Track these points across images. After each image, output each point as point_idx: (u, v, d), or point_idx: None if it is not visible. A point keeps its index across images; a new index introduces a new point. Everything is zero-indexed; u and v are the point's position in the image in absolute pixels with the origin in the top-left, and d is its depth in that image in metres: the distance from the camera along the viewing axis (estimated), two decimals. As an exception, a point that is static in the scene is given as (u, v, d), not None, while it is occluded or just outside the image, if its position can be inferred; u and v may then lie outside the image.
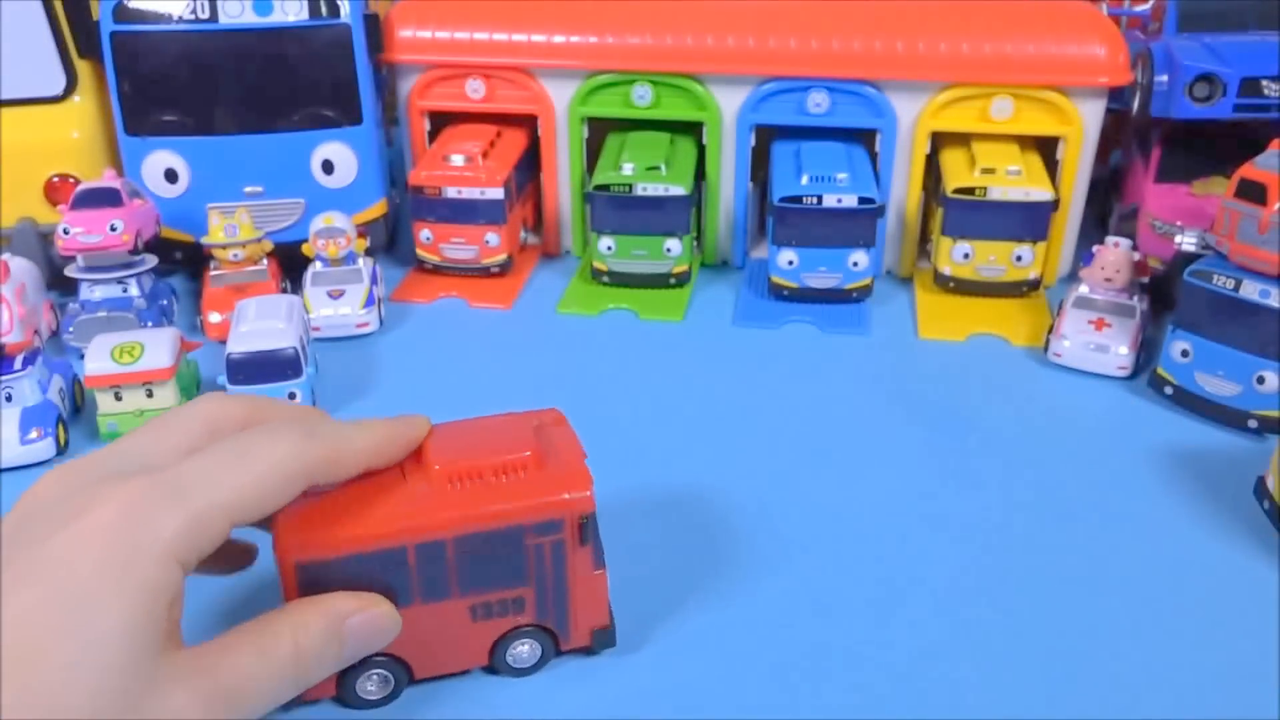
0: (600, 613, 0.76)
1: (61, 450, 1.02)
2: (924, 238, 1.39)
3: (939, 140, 1.33)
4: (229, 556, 0.76)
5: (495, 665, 0.75)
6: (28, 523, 0.61)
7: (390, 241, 1.42)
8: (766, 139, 1.37)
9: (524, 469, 0.71)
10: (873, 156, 1.33)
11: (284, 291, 1.27)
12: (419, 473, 0.71)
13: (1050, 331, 1.18)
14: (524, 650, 0.75)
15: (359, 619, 0.68)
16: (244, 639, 0.64)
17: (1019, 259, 1.28)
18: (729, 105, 1.33)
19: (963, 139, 1.32)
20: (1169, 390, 1.09)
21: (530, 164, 1.43)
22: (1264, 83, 1.18)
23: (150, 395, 1.02)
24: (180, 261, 1.32)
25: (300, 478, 0.66)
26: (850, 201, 1.24)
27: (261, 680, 0.63)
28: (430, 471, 0.71)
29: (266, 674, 0.63)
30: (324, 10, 1.25)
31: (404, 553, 0.69)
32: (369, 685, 0.72)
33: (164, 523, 0.59)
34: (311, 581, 0.68)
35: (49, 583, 0.56)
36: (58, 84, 1.28)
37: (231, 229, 1.25)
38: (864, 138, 1.34)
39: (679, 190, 1.28)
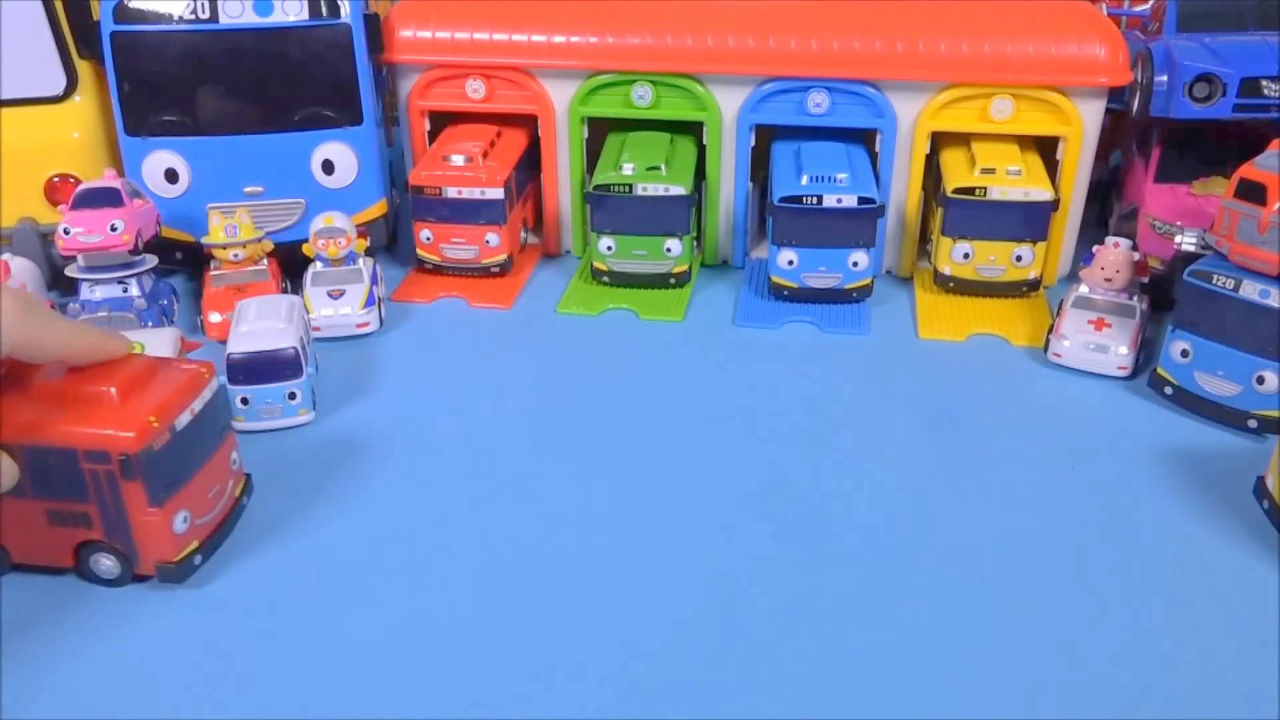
0: (164, 547, 0.83)
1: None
2: (924, 238, 1.39)
3: (939, 140, 1.33)
4: None
5: (81, 572, 0.85)
6: None
7: (390, 241, 1.42)
8: (766, 139, 1.37)
9: (99, 402, 0.80)
10: (873, 156, 1.33)
11: (284, 291, 1.27)
12: (24, 385, 0.82)
13: (1050, 331, 1.18)
14: (106, 563, 0.84)
15: None
16: None
17: (1019, 259, 1.28)
18: (729, 105, 1.33)
19: (963, 139, 1.32)
20: (1169, 390, 1.09)
21: (530, 164, 1.43)
22: (1264, 83, 1.18)
23: (151, 395, 1.02)
24: (180, 261, 1.32)
25: (4, 348, 0.75)
26: (850, 201, 1.24)
27: None
28: (30, 385, 0.82)
29: None
30: (324, 10, 1.25)
31: None
32: None
33: None
34: None
35: None
36: (58, 84, 1.28)
37: (232, 229, 1.25)
38: (864, 138, 1.34)
39: (679, 190, 1.28)
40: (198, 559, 0.86)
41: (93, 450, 0.79)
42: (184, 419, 0.83)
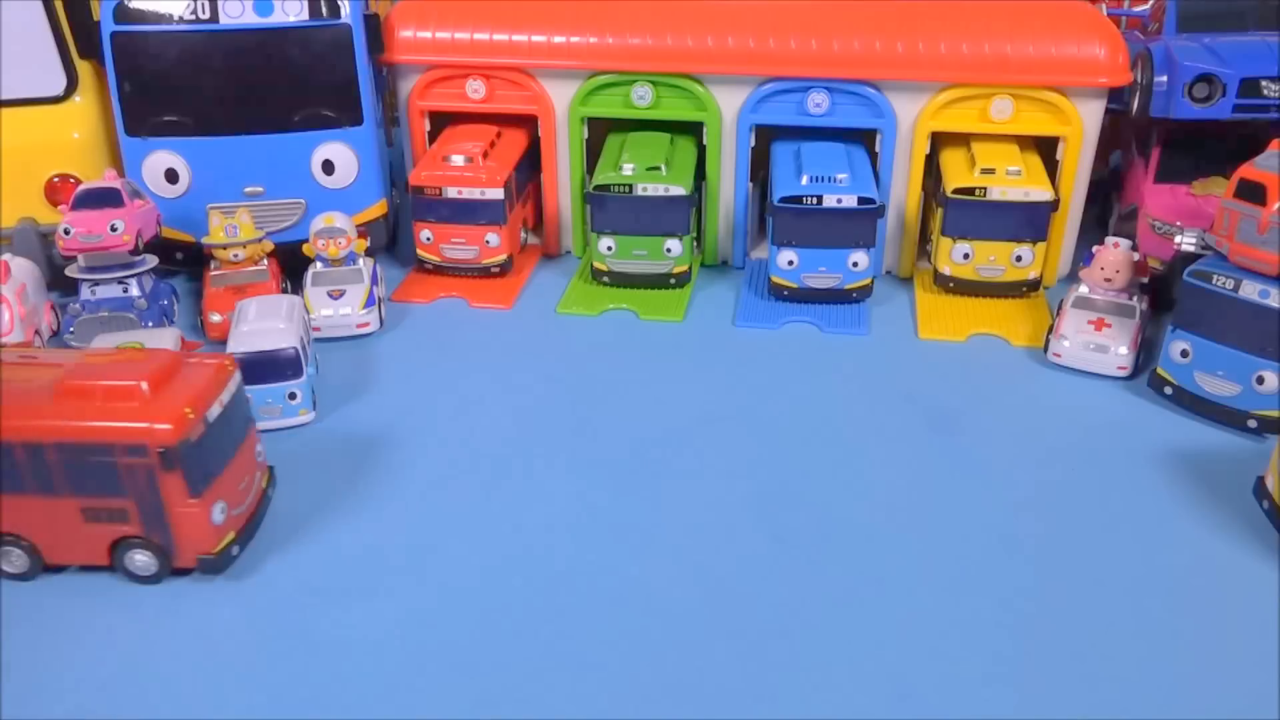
0: (204, 539, 0.84)
1: (62, 450, 1.02)
2: (924, 238, 1.39)
3: (939, 140, 1.33)
4: None
5: (116, 567, 0.85)
6: None
7: (391, 242, 1.42)
8: (766, 139, 1.37)
9: (132, 397, 0.81)
10: (873, 156, 1.33)
11: (284, 292, 1.27)
12: (52, 385, 0.82)
13: (1050, 332, 1.18)
14: (140, 559, 0.84)
15: None
16: None
17: (1019, 259, 1.28)
18: (729, 105, 1.33)
19: (963, 139, 1.32)
20: (1169, 390, 1.09)
21: (530, 164, 1.43)
22: (1263, 83, 1.18)
23: (151, 395, 1.02)
24: (181, 262, 1.32)
25: None
26: (850, 201, 1.24)
27: None
28: (56, 383, 0.82)
29: None
30: (324, 10, 1.25)
31: (12, 449, 0.81)
32: (6, 560, 0.85)
33: None
34: None
35: None
36: (58, 84, 1.28)
37: (232, 229, 1.25)
38: (864, 138, 1.34)
39: (679, 190, 1.28)
40: (235, 549, 0.87)
41: (130, 444, 0.79)
42: (215, 410, 0.84)
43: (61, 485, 0.82)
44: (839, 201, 1.24)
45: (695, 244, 1.40)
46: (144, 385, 0.81)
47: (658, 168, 1.29)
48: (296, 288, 1.28)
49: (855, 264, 1.27)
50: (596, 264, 1.34)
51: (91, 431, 0.80)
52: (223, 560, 0.85)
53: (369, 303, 1.24)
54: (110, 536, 0.84)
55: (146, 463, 0.80)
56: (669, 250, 1.31)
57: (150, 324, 1.19)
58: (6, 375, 0.86)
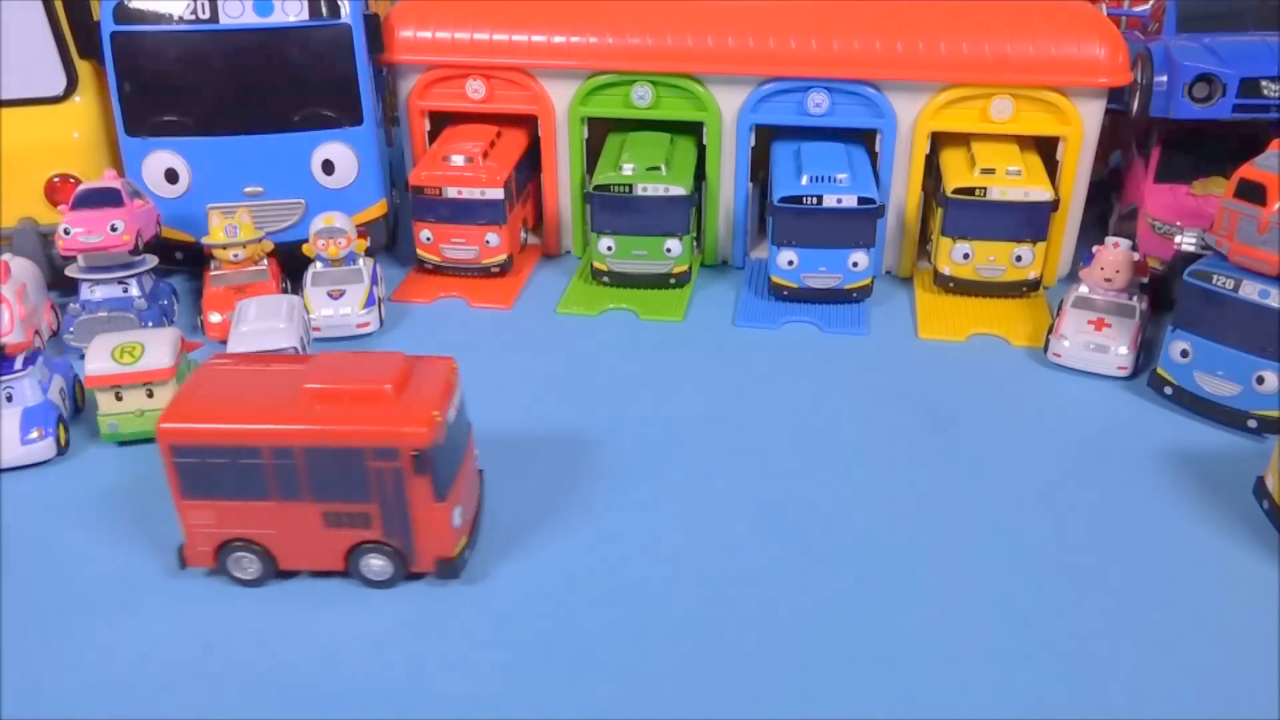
0: (444, 543, 0.83)
1: (62, 450, 1.02)
2: (924, 238, 1.39)
3: (939, 140, 1.33)
4: None
5: (351, 572, 0.84)
6: None
7: (390, 241, 1.42)
8: (766, 139, 1.37)
9: (379, 400, 0.80)
10: (873, 156, 1.33)
11: (284, 292, 1.27)
12: (293, 388, 0.81)
13: (1050, 331, 1.18)
14: (376, 564, 0.83)
15: None
16: None
17: (1019, 259, 1.28)
18: (729, 105, 1.33)
19: (962, 139, 1.32)
20: (1169, 390, 1.09)
21: (530, 164, 1.43)
22: (1263, 83, 1.18)
23: (151, 395, 1.02)
24: (181, 262, 1.32)
25: None
26: (850, 201, 1.24)
27: None
28: (301, 389, 0.81)
29: None
30: (324, 10, 1.25)
31: (259, 452, 0.79)
32: (239, 566, 0.84)
33: None
34: (186, 463, 0.80)
35: None
36: (58, 84, 1.28)
37: (232, 229, 1.25)
38: (864, 138, 1.34)
39: (679, 190, 1.28)
40: (467, 553, 0.86)
41: (381, 448, 0.78)
42: (451, 413, 0.83)
43: (305, 490, 0.81)
44: (839, 201, 1.24)
45: (695, 244, 1.40)
46: (389, 388, 0.80)
47: (658, 168, 1.29)
48: (296, 288, 1.28)
49: (855, 264, 1.27)
50: (596, 264, 1.34)
51: (343, 435, 0.78)
52: (459, 564, 0.84)
53: (369, 303, 1.24)
54: (350, 541, 0.83)
55: (395, 466, 0.79)
56: (669, 250, 1.31)
57: (150, 324, 1.19)
58: (238, 380, 0.85)
